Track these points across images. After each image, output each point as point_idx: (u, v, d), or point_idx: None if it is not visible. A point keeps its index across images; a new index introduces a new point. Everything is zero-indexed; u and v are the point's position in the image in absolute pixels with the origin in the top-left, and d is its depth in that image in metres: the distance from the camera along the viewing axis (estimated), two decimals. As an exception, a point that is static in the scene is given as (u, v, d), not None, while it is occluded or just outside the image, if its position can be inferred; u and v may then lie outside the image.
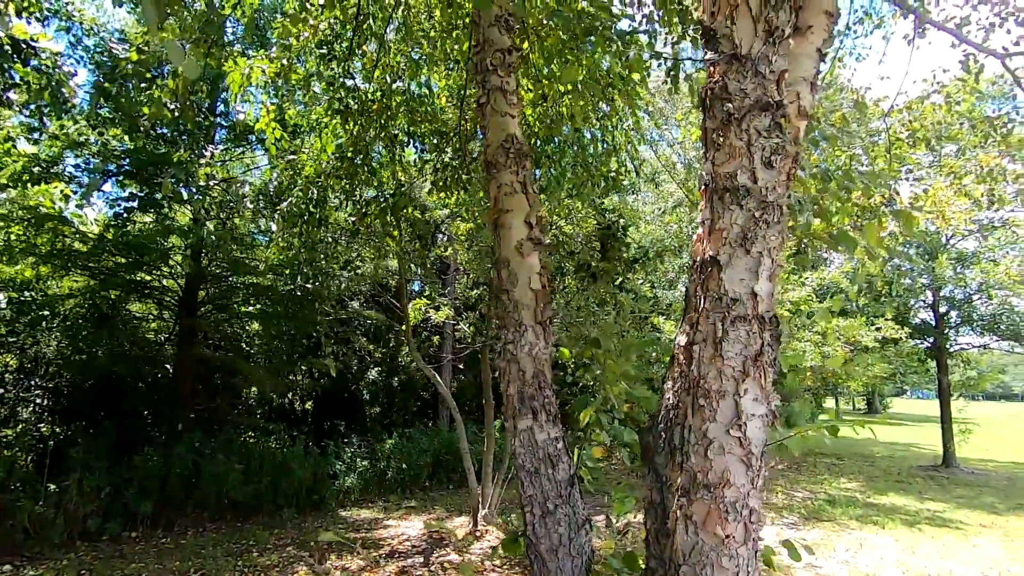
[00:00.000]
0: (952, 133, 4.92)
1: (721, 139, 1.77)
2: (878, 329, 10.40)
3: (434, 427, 13.30)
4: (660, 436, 2.09)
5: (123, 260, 10.20)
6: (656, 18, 4.22)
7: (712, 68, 1.83)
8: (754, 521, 1.69)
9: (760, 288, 1.69)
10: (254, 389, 13.52)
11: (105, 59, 9.24)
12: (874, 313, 11.31)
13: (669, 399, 2.03)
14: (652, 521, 2.09)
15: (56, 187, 9.66)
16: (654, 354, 5.11)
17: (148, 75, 4.61)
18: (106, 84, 4.53)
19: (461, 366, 14.45)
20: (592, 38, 3.86)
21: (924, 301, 15.29)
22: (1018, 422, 36.54)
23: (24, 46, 5.63)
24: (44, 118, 5.95)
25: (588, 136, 5.33)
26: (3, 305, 9.00)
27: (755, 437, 1.69)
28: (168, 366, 11.40)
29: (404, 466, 10.97)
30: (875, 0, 5.32)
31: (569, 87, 4.58)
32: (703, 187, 1.84)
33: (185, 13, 4.65)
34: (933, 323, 15.01)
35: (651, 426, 2.16)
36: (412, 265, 8.37)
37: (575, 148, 4.92)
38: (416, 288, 13.56)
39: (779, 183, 1.74)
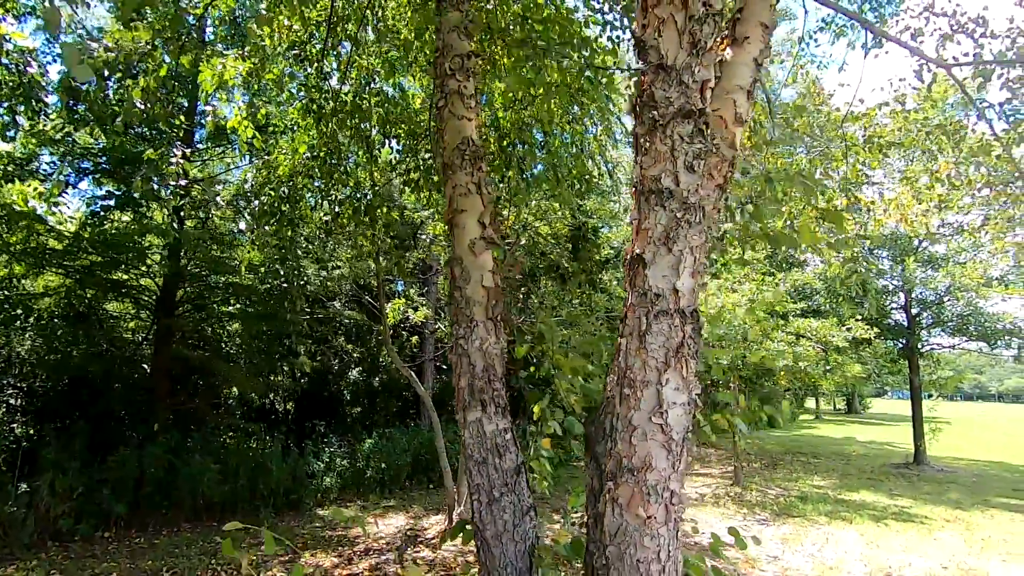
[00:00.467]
0: (907, 140, 5.11)
1: (648, 144, 1.88)
2: (849, 329, 10.66)
3: (415, 427, 13.33)
4: (600, 426, 2.19)
5: (99, 259, 10.14)
6: (620, 24, 4.34)
7: (642, 77, 1.94)
8: (675, 503, 1.80)
9: (682, 284, 1.80)
10: (234, 389, 13.47)
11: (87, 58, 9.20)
12: (848, 314, 11.57)
13: (607, 391, 2.13)
14: (591, 506, 2.19)
15: (31, 185, 9.60)
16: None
17: (119, 74, 4.63)
18: (73, 82, 4.53)
19: (444, 366, 14.52)
20: (555, 49, 3.95)
21: (897, 302, 15.64)
22: (991, 422, 37.39)
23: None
24: (17, 116, 5.91)
25: (559, 140, 5.44)
26: None
27: (676, 424, 1.79)
28: (145, 366, 11.33)
29: (384, 465, 11.00)
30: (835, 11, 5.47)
31: (540, 91, 4.69)
32: (633, 189, 1.94)
33: (160, 9, 4.69)
34: (906, 324, 15.36)
35: (593, 417, 2.26)
36: (391, 266, 8.42)
37: (544, 151, 5.03)
38: (400, 288, 13.61)
39: (701, 186, 1.85)
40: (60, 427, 9.44)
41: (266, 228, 6.13)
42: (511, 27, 4.16)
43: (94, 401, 9.96)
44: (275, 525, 8.40)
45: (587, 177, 5.62)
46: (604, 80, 4.59)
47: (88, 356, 10.21)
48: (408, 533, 7.93)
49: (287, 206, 5.83)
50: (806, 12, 4.52)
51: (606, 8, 4.52)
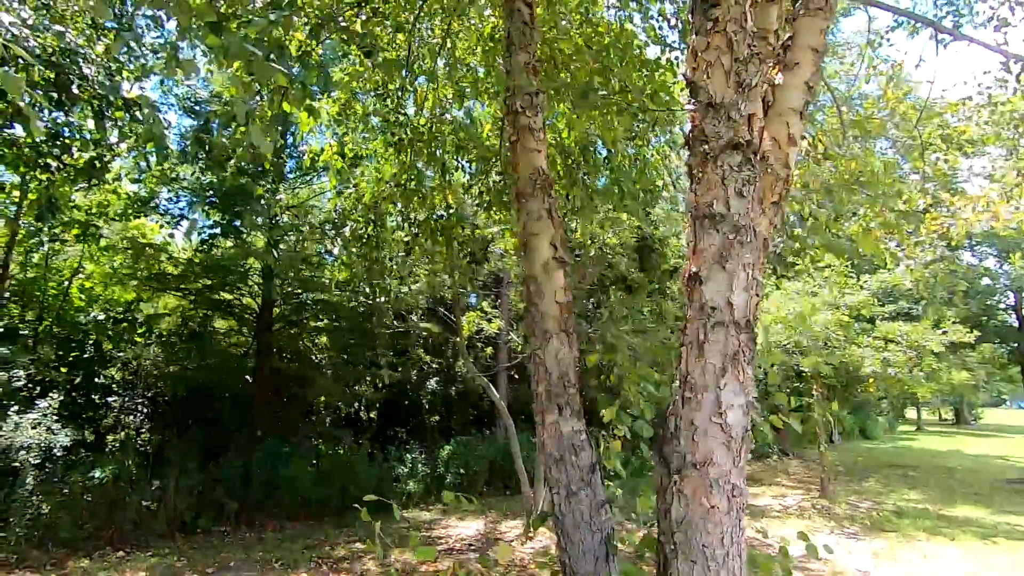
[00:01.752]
0: (990, 137, 4.90)
1: (701, 174, 2.10)
2: (945, 333, 9.99)
3: (491, 435, 13.75)
4: (666, 427, 2.42)
5: (208, 281, 11.37)
6: (680, 45, 4.53)
7: (694, 115, 2.17)
8: (736, 495, 2.00)
9: (736, 299, 2.01)
10: (323, 399, 14.49)
11: (193, 105, 10.47)
12: (935, 317, 10.84)
13: (673, 395, 2.36)
14: (661, 501, 2.41)
15: (155, 218, 10.96)
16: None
17: (236, 124, 5.35)
18: (203, 135, 5.29)
19: (516, 376, 14.90)
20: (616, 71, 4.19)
21: (1006, 302, 14.40)
22: None
23: (131, 104, 6.60)
24: (148, 161, 6.89)
25: (623, 154, 5.66)
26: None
27: (735, 423, 2.00)
28: (248, 377, 12.48)
29: (462, 471, 11.46)
30: (916, 5, 5.35)
31: (603, 112, 4.95)
32: (689, 214, 2.17)
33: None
34: (1017, 326, 14.10)
35: (661, 419, 2.49)
36: (464, 280, 8.89)
37: (608, 166, 5.26)
38: (472, 301, 14.16)
39: (751, 209, 2.05)
40: (178, 432, 10.62)
41: (354, 251, 6.72)
42: (574, 57, 4.46)
43: (207, 409, 11.11)
44: (365, 525, 9.01)
45: (651, 189, 5.80)
46: (667, 97, 4.78)
47: (201, 369, 11.41)
48: (488, 536, 8.28)
49: (372, 229, 6.39)
50: (870, 18, 4.47)
51: (665, 28, 4.72)
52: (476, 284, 10.47)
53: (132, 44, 5.64)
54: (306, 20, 4.04)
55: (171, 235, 11.79)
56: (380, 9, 5.00)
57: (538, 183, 3.08)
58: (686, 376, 2.08)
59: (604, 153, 5.23)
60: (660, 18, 4.37)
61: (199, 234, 11.62)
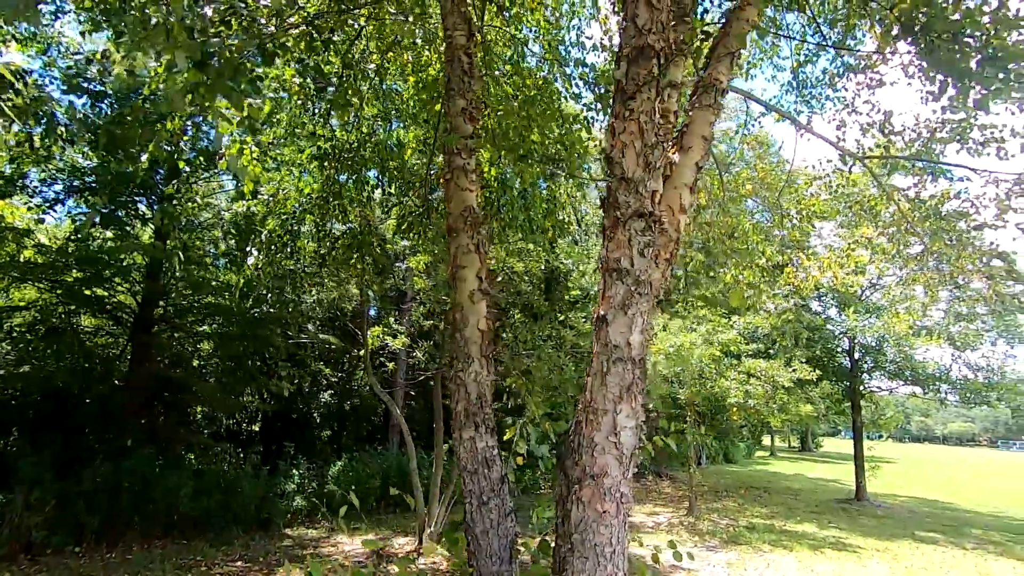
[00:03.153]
0: (832, 212, 6.00)
1: (612, 235, 2.55)
2: (794, 371, 11.59)
3: (385, 451, 13.59)
4: (569, 444, 2.81)
5: (80, 274, 10.32)
6: (596, 107, 5.11)
7: (609, 185, 2.62)
8: (624, 502, 2.41)
9: (633, 339, 2.45)
10: (204, 408, 13.54)
11: (83, 83, 9.59)
12: (791, 356, 12.54)
13: (577, 417, 2.75)
14: (560, 509, 2.78)
15: (21, 200, 9.83)
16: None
17: (155, 119, 5.16)
18: (115, 129, 5.00)
19: (413, 392, 14.88)
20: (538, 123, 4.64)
21: (842, 347, 16.81)
22: (934, 463, 39.28)
23: (13, 76, 6.02)
24: (33, 142, 6.29)
25: (536, 193, 6.15)
26: None
27: (627, 442, 2.42)
28: (118, 381, 11.39)
29: (353, 487, 11.24)
30: (780, 99, 6.40)
31: (523, 152, 5.40)
32: (601, 266, 2.61)
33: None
34: (849, 367, 16.50)
35: (563, 438, 2.87)
36: (371, 293, 8.93)
37: (522, 203, 5.70)
38: (373, 314, 14.02)
39: (650, 267, 2.52)
40: (32, 439, 9.46)
41: (263, 257, 6.60)
42: (501, 104, 4.87)
43: (66, 415, 10.01)
44: (247, 543, 8.59)
45: (559, 225, 6.33)
46: (580, 150, 5.33)
47: (62, 370, 10.27)
48: (378, 553, 8.25)
49: (288, 238, 6.34)
50: (748, 107, 5.37)
51: (584, 92, 5.29)
52: (385, 299, 10.48)
53: None
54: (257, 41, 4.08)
55: (40, 220, 10.59)
56: (320, 28, 5.11)
57: (468, 220, 3.41)
58: (590, 401, 2.48)
59: (519, 190, 5.67)
60: (580, 80, 4.93)
61: (74, 221, 10.57)
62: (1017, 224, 5.31)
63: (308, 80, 5.05)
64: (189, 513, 8.65)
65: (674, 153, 3.20)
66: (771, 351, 13.55)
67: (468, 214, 3.42)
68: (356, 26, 5.40)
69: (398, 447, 13.85)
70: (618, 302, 2.47)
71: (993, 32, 3.32)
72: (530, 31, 5.28)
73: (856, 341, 16.14)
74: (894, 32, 3.46)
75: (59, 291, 10.33)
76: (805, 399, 14.02)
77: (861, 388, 16.25)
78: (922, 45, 3.27)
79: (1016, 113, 3.92)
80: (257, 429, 15.27)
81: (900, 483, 22.22)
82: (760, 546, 9.65)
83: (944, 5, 3.10)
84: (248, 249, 6.47)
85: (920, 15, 3.24)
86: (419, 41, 5.86)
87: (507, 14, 5.39)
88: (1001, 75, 3.00)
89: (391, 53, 5.44)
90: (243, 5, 3.19)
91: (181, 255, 8.40)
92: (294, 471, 11.27)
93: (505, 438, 3.35)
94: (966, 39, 3.07)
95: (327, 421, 14.82)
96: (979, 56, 2.90)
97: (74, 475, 8.22)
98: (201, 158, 10.93)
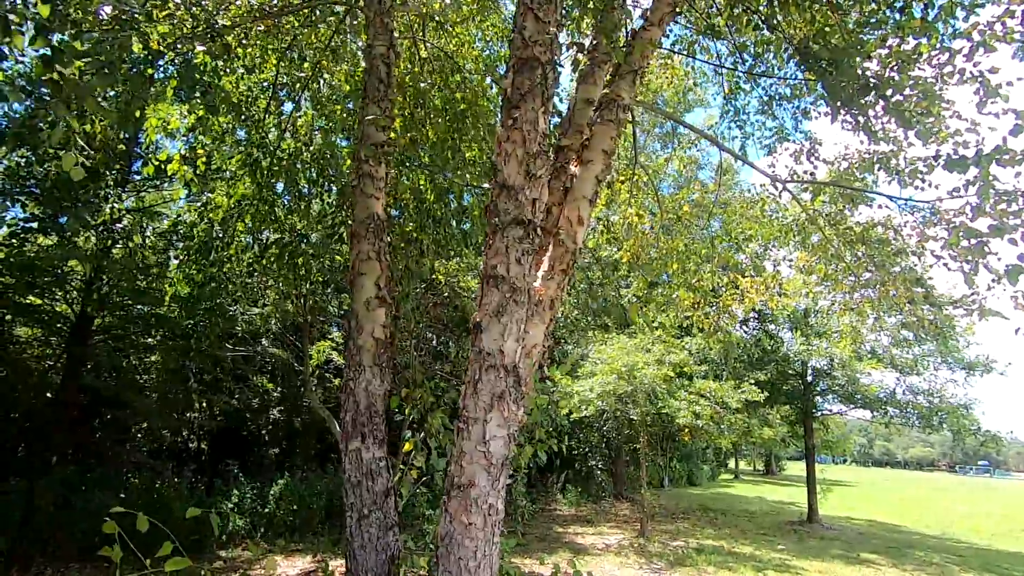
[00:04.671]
0: (765, 235, 6.16)
1: (491, 242, 2.53)
2: (743, 392, 11.72)
3: (334, 469, 13.21)
4: (448, 455, 2.73)
5: (13, 281, 9.89)
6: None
7: (492, 192, 2.62)
8: (492, 514, 2.35)
9: (507, 347, 2.42)
10: (143, 425, 12.99)
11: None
12: (742, 377, 12.72)
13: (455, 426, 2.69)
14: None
15: (-51, 203, 9.40)
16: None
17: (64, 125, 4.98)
18: (23, 130, 4.81)
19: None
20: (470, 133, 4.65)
21: (794, 369, 17.12)
22: (891, 486, 40.08)
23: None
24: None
25: (476, 205, 6.14)
26: None
27: (496, 451, 2.37)
28: (48, 394, 10.87)
29: (295, 508, 10.88)
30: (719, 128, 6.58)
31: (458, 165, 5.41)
32: (480, 274, 2.58)
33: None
34: (802, 389, 16.79)
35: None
36: (316, 307, 8.76)
37: (459, 215, 5.69)
38: (333, 329, 13.75)
39: (527, 274, 2.51)
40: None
41: (195, 266, 6.43)
42: (432, 116, 4.88)
43: (-14, 429, 9.49)
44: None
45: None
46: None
47: (-15, 382, 9.76)
48: (311, 573, 7.95)
49: (218, 245, 6.19)
50: (677, 132, 5.49)
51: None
52: (325, 312, 10.29)
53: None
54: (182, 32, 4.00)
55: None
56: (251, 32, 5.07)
57: (371, 227, 3.36)
58: (463, 409, 2.43)
59: (454, 204, 5.66)
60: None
61: (9, 227, 10.16)
62: (932, 252, 5.52)
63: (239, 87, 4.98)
64: (112, 534, 8.19)
65: (575, 166, 3.23)
66: (720, 372, 13.72)
67: (371, 221, 3.38)
68: (291, 30, 5.37)
69: (348, 466, 13.49)
70: (492, 309, 2.44)
71: (883, 68, 3.48)
72: (462, 46, 5.32)
73: (808, 364, 16.47)
74: (791, 58, 3.58)
75: (-12, 299, 9.86)
76: (764, 422, 14.18)
77: (813, 411, 16.53)
78: (815, 73, 3.39)
79: (927, 144, 4.09)
80: (204, 447, 14.72)
81: (855, 505, 22.56)
82: (705, 568, 9.62)
83: (831, 37, 3.23)
84: (176, 254, 6.28)
85: (813, 44, 3.36)
86: (358, 52, 5.87)
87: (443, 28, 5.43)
88: (882, 103, 3.11)
89: (325, 61, 5.42)
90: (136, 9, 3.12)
91: (108, 259, 8.09)
92: (234, 490, 10.85)
93: (404, 451, 3.27)
94: (850, 69, 3.18)
95: (276, 439, 14.36)
96: (857, 85, 3.01)
97: (-14, 492, 7.76)
98: (150, 165, 10.68)
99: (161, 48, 3.82)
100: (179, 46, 3.80)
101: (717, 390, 11.47)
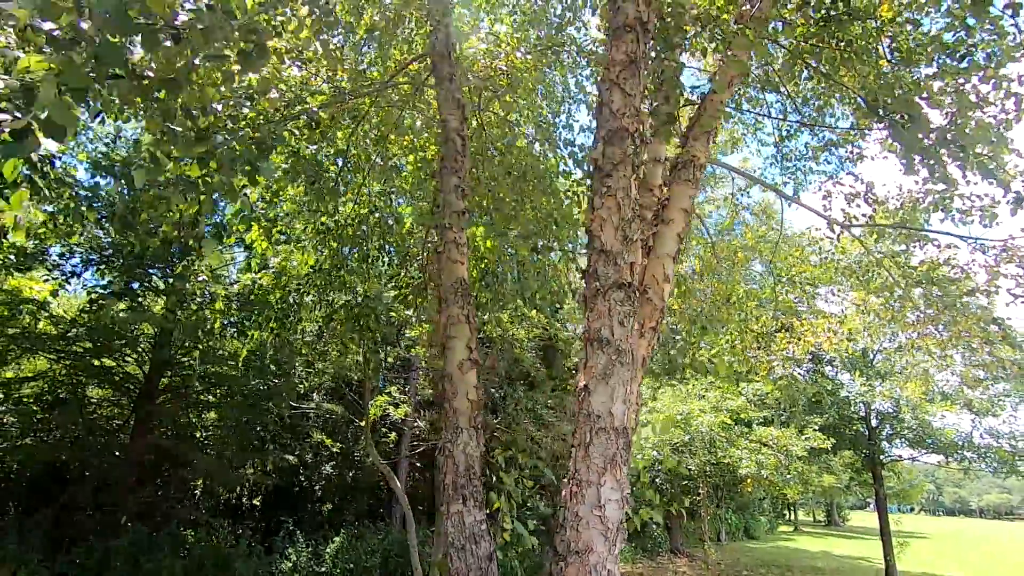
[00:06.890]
0: (824, 278, 6.08)
1: (593, 305, 2.62)
2: (807, 439, 11.23)
3: (386, 525, 13.09)
4: (556, 518, 2.75)
5: (88, 344, 10.47)
6: (586, 183, 5.33)
7: (589, 257, 2.73)
8: (610, 580, 2.34)
9: (615, 409, 2.47)
10: (202, 481, 13.25)
11: (106, 163, 10.18)
12: (805, 423, 12.22)
13: (563, 490, 2.72)
14: (549, 589, 2.69)
15: (40, 273, 10.16)
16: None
17: (164, 204, 5.42)
18: (128, 216, 5.29)
19: (419, 465, 14.52)
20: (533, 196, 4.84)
21: (858, 413, 16.34)
22: (971, 538, 37.00)
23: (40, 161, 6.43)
24: (56, 221, 6.62)
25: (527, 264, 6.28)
26: None
27: (612, 515, 2.38)
28: (118, 453, 11.27)
29: (351, 567, 10.78)
30: (764, 172, 6.66)
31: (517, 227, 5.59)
32: (583, 337, 2.66)
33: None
34: (866, 434, 15.96)
35: (554, 512, 2.82)
36: (374, 364, 8.97)
37: (517, 274, 5.83)
38: (382, 385, 13.94)
39: (630, 336, 2.57)
40: (21, 515, 9.26)
41: (269, 329, 6.71)
42: (496, 179, 5.11)
43: (63, 490, 9.85)
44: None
45: (552, 295, 6.43)
46: (571, 223, 5.51)
47: (62, 443, 10.21)
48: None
49: (291, 309, 6.48)
50: (733, 179, 5.61)
51: (573, 169, 5.55)
52: (383, 368, 10.49)
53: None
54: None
55: (55, 293, 10.89)
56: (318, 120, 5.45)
57: (459, 291, 3.51)
58: (574, 473, 2.46)
59: (514, 262, 5.80)
60: (569, 158, 5.20)
61: (89, 293, 10.85)
62: (1008, 290, 5.35)
63: (300, 170, 5.33)
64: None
65: (657, 225, 3.33)
66: (782, 418, 13.22)
67: (459, 285, 3.52)
68: (357, 113, 5.75)
69: (401, 522, 13.35)
70: (599, 371, 2.50)
71: (951, 116, 3.52)
72: (522, 115, 5.61)
73: (872, 407, 15.72)
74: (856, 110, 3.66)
75: (67, 361, 10.45)
76: (826, 469, 13.50)
77: (881, 456, 15.65)
78: (887, 124, 3.45)
79: (994, 183, 4.06)
80: (257, 503, 14.84)
81: (934, 561, 20.86)
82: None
83: (900, 89, 3.30)
84: (254, 321, 6.59)
85: (884, 99, 3.44)
86: (419, 124, 6.24)
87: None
88: (962, 154, 3.13)
89: (392, 136, 5.77)
90: (248, 105, 3.45)
91: (176, 322, 8.53)
92: (290, 549, 10.86)
93: (492, 509, 3.28)
94: (928, 121, 3.23)
95: (328, 494, 14.38)
96: (933, 137, 3.05)
97: (63, 554, 7.98)
98: (215, 233, 11.33)
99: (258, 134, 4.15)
100: (275, 131, 4.13)
101: (779, 437, 11.03)
